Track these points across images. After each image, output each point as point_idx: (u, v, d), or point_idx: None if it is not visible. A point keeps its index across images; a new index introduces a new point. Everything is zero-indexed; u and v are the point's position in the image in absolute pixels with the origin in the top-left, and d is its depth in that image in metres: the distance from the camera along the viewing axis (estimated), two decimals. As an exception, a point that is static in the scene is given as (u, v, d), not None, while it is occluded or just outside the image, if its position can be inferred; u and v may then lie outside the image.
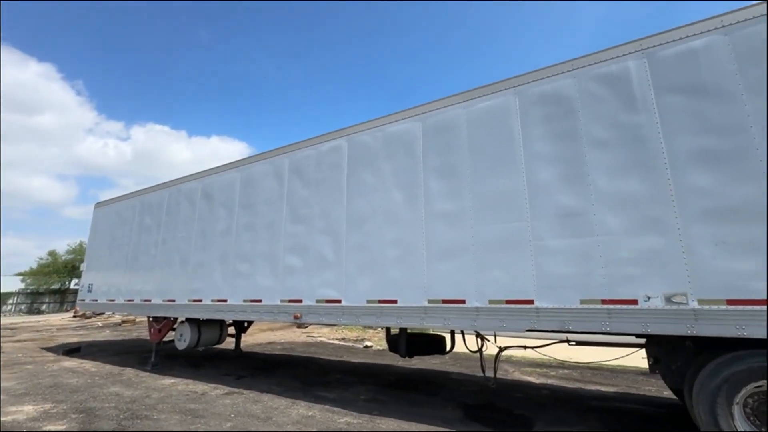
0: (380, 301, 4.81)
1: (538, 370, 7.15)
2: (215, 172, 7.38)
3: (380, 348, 10.00)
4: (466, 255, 4.29)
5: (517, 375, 6.86)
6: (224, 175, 7.18)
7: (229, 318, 6.71)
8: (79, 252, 34.13)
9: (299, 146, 6.24)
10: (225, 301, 6.42)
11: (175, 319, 7.67)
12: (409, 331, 5.61)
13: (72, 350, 9.71)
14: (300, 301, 5.53)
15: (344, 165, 5.59)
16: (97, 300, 8.98)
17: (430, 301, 4.45)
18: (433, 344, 5.96)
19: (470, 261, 4.25)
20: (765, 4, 3.31)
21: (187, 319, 7.49)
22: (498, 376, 6.85)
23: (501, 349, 4.84)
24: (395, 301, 4.70)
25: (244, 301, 6.17)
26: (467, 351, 5.45)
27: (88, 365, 7.94)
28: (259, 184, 6.58)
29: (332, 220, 5.49)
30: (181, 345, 7.46)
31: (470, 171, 4.49)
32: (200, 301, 6.81)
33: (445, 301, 4.35)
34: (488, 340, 5.08)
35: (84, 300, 9.42)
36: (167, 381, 6.55)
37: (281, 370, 7.37)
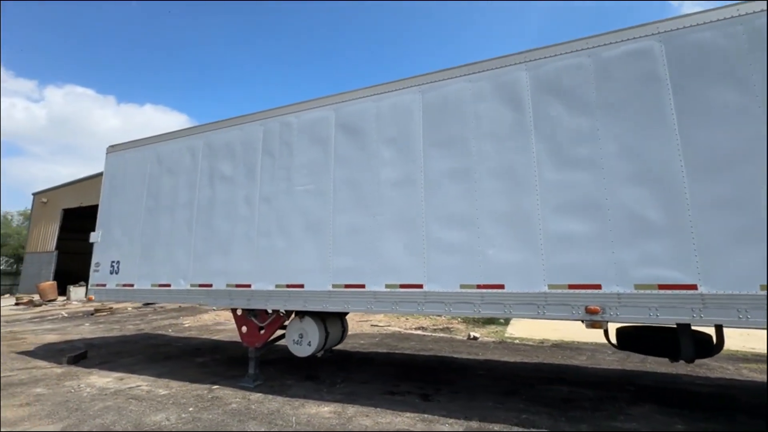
0: (793, 287, 3.02)
1: (751, 365, 5.88)
2: (361, 96, 4.93)
3: (491, 339, 8.23)
4: None
5: (746, 373, 5.53)
6: (385, 99, 4.77)
7: (429, 313, 4.46)
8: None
9: (548, 52, 4.08)
10: (419, 287, 4.20)
11: (287, 312, 5.23)
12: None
13: (78, 357, 6.73)
14: (597, 286, 3.54)
15: (663, 77, 3.60)
16: (133, 285, 6.07)
17: None
18: (709, 342, 4.34)
19: None
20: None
21: (308, 313, 5.11)
22: (733, 377, 5.51)
23: None
24: (832, 287, 2.94)
25: (463, 286, 4.01)
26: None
27: (138, 383, 5.23)
28: (462, 109, 4.33)
29: (648, 161, 3.52)
30: (303, 350, 5.07)
31: None
32: (361, 286, 4.49)
33: None
34: None
35: (104, 285, 6.39)
36: (317, 409, 4.24)
37: (453, 379, 5.26)
